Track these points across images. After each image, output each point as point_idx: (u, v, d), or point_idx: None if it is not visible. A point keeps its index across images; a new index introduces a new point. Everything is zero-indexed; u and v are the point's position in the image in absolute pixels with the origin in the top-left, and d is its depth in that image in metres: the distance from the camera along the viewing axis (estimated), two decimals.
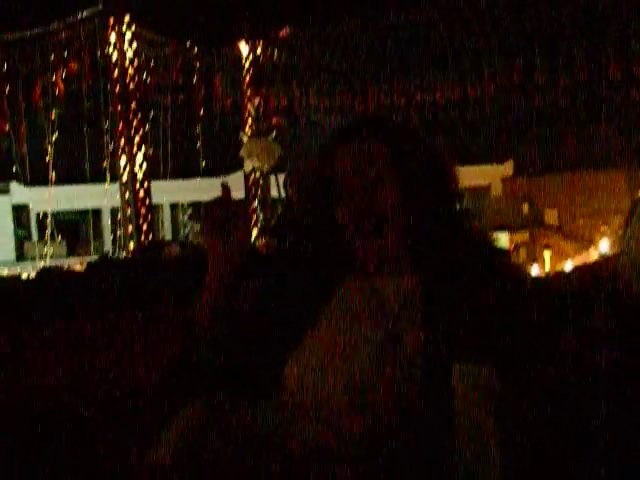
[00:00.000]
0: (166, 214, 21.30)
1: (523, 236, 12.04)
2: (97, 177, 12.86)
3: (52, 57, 10.42)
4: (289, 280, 1.90)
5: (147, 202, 9.66)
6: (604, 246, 9.29)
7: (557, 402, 1.71)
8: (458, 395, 1.57)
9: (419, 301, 1.73)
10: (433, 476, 1.58)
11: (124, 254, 10.03)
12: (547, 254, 10.08)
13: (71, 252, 19.21)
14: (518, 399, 1.61)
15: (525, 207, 13.27)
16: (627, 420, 1.73)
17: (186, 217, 22.04)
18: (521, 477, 1.60)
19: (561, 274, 5.14)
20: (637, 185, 10.01)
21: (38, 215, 18.01)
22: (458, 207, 1.81)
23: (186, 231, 21.82)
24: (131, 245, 10.02)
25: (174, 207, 21.76)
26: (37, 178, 13.49)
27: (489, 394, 1.58)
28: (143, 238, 9.79)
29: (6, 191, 19.72)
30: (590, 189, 12.69)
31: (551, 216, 13.01)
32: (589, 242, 10.94)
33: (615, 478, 1.70)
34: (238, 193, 12.40)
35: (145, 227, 9.81)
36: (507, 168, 16.20)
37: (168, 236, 20.67)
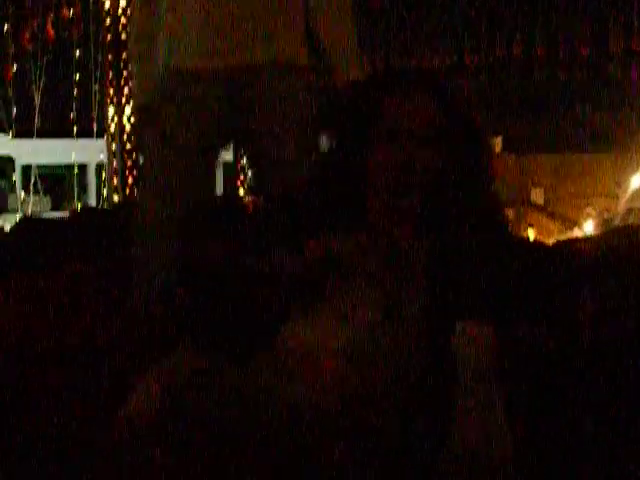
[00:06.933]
0: None
1: (508, 213, 11.98)
2: (85, 131, 12.72)
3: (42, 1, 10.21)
4: (285, 236, 1.83)
5: (134, 155, 9.48)
6: (589, 227, 9.29)
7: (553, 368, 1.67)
8: (458, 352, 1.53)
9: (428, 265, 1.68)
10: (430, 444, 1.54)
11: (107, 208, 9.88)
12: (531, 233, 10.06)
13: (56, 207, 19.04)
14: (517, 359, 1.58)
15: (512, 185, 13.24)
16: (625, 393, 1.71)
17: None
18: (528, 441, 1.56)
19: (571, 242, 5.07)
20: (622, 170, 10.03)
21: (23, 168, 17.77)
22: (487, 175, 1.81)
23: None
24: (115, 198, 9.88)
25: None
26: (23, 130, 13.31)
27: (489, 351, 1.54)
28: (128, 192, 9.64)
29: None
30: (577, 171, 12.66)
31: (537, 195, 12.97)
32: (573, 223, 10.93)
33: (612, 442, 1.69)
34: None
35: (131, 181, 9.65)
36: (496, 144, 16.12)
37: None
